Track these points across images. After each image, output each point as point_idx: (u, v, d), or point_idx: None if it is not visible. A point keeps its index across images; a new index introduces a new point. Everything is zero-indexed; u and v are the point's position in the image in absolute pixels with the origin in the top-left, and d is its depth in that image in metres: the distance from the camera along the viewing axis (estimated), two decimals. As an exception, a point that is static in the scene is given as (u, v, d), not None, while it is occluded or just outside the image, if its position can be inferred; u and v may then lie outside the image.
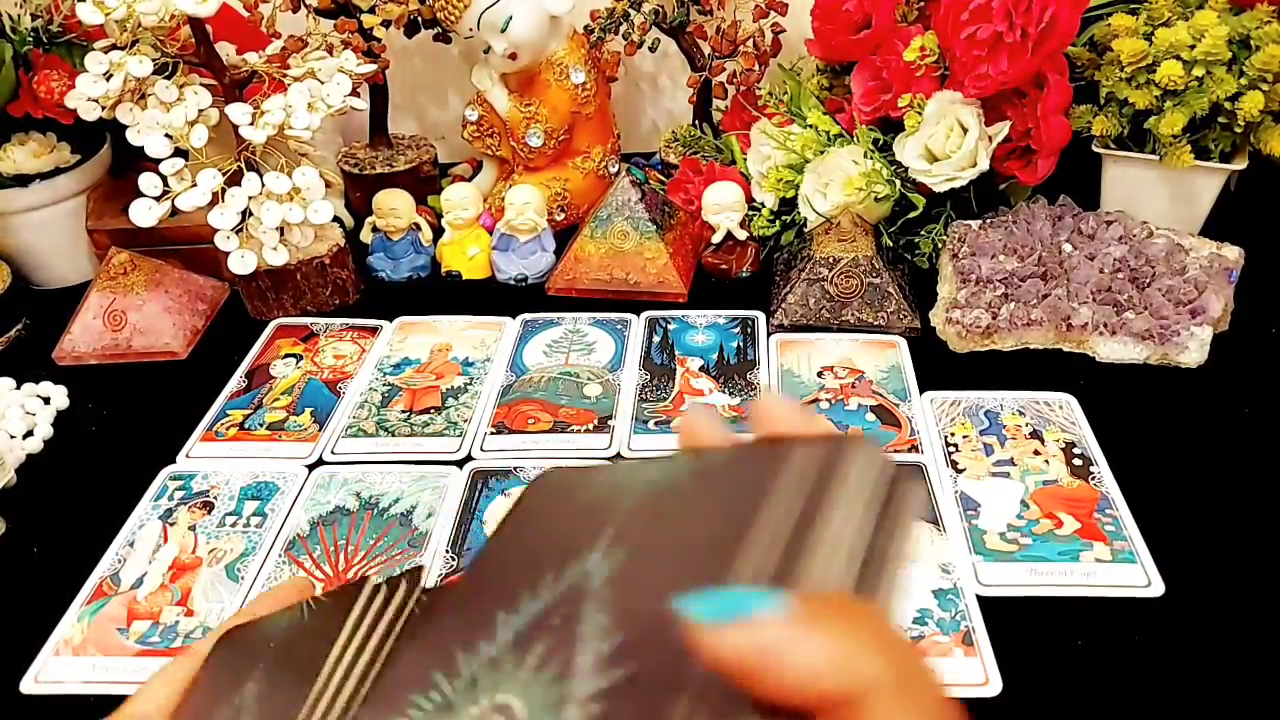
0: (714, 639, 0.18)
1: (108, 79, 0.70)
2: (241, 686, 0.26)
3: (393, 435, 0.69)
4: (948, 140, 0.77)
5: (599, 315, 0.81)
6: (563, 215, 0.91)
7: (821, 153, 0.82)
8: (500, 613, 0.22)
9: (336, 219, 0.85)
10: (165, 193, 0.72)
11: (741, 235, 0.84)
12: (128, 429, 0.72)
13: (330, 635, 0.26)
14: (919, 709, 0.19)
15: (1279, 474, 0.62)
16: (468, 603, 0.24)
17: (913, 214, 0.80)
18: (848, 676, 0.18)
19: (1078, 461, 0.63)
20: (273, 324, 0.82)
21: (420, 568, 0.28)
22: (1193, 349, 0.70)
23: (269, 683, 0.26)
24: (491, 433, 0.69)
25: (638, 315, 0.81)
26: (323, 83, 0.76)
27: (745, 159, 0.88)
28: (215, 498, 0.64)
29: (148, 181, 0.72)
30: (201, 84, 0.74)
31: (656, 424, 0.69)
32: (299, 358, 0.78)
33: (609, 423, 0.69)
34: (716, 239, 0.84)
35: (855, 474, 0.20)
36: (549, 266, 0.85)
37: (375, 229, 0.88)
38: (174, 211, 0.72)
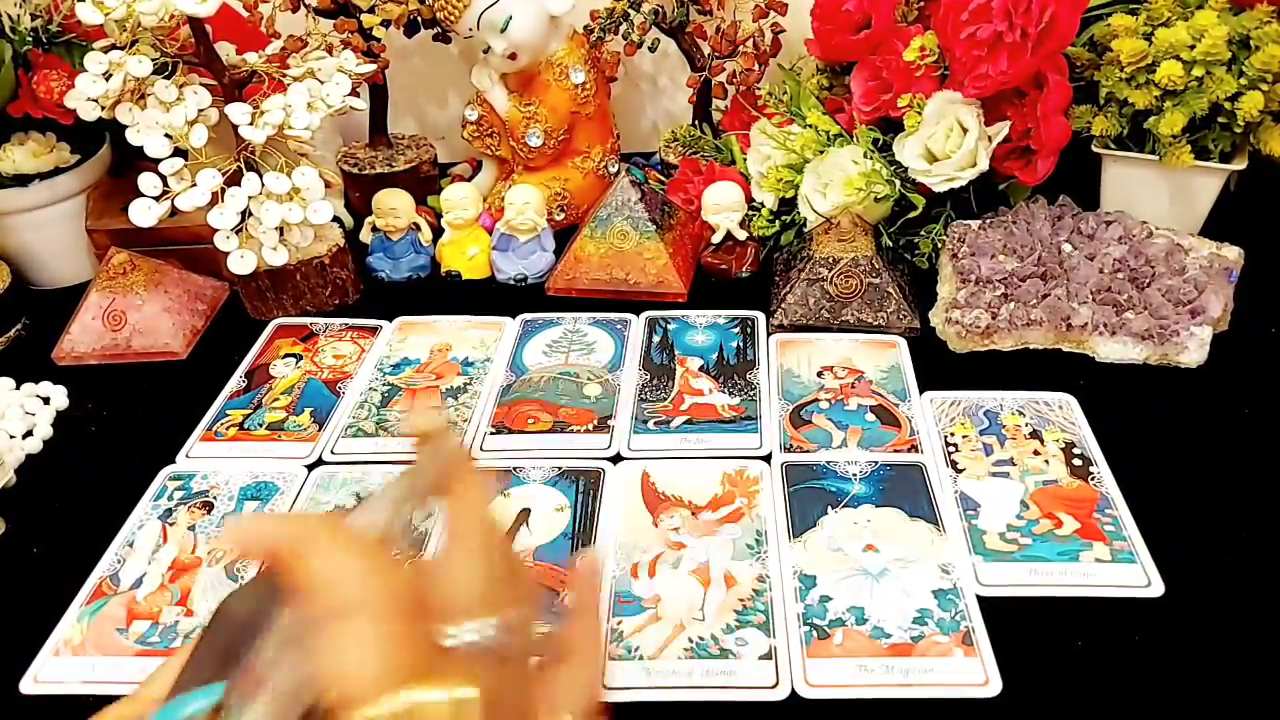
0: None
1: (107, 79, 0.70)
2: (274, 618, 0.26)
3: (393, 435, 0.69)
4: (947, 140, 0.77)
5: (599, 315, 0.81)
6: (562, 215, 0.91)
7: (821, 153, 0.82)
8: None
9: (336, 219, 0.85)
10: (165, 193, 0.72)
11: (741, 235, 0.84)
12: (127, 429, 0.72)
13: None
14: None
15: (1279, 474, 0.62)
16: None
17: (913, 214, 0.80)
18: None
19: (1077, 461, 0.63)
20: (272, 324, 0.82)
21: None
22: (1192, 349, 0.70)
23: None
24: (491, 433, 0.69)
25: (637, 315, 0.81)
26: (322, 83, 0.76)
27: (745, 159, 0.88)
28: (215, 498, 0.64)
29: (147, 181, 0.72)
30: (201, 84, 0.74)
31: (656, 424, 0.69)
32: (299, 358, 0.78)
33: (609, 423, 0.69)
34: (716, 239, 0.84)
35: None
36: (549, 266, 0.85)
37: (375, 229, 0.88)
38: (173, 211, 0.72)
